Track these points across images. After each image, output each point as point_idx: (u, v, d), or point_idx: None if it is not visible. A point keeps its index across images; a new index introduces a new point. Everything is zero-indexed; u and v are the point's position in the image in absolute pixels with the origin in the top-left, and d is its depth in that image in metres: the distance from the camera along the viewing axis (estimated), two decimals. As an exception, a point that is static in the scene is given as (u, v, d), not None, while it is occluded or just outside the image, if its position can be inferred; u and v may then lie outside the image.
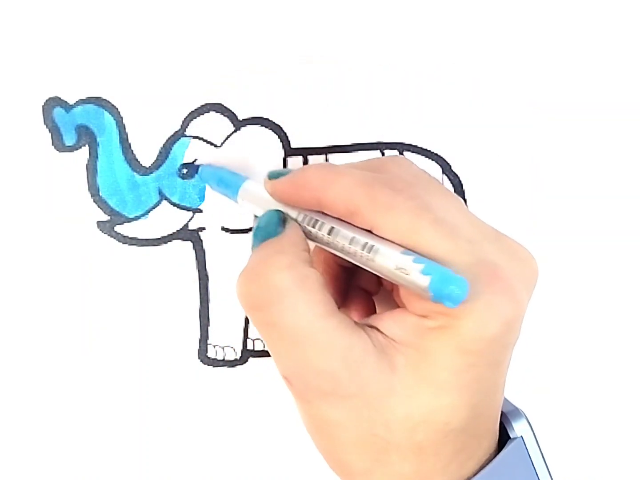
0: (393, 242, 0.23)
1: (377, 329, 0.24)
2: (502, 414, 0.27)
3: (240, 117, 0.33)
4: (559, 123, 0.35)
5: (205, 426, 0.34)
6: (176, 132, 0.33)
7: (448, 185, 0.35)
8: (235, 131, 0.33)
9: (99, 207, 0.33)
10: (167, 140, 0.33)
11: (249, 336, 0.34)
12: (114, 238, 0.33)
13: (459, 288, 0.21)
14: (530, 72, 0.35)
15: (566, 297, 0.36)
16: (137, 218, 0.33)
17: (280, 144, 0.33)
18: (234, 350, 0.34)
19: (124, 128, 0.32)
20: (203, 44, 0.33)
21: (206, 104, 0.33)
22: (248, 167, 0.33)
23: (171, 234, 0.33)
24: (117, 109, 0.32)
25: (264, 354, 0.34)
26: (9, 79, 0.32)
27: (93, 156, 0.32)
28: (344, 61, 0.34)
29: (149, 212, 0.33)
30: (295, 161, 0.34)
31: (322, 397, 0.24)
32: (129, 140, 0.33)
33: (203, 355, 0.34)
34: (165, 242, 0.33)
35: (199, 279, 0.34)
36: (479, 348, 0.23)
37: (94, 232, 0.33)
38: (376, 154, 0.34)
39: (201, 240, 0.34)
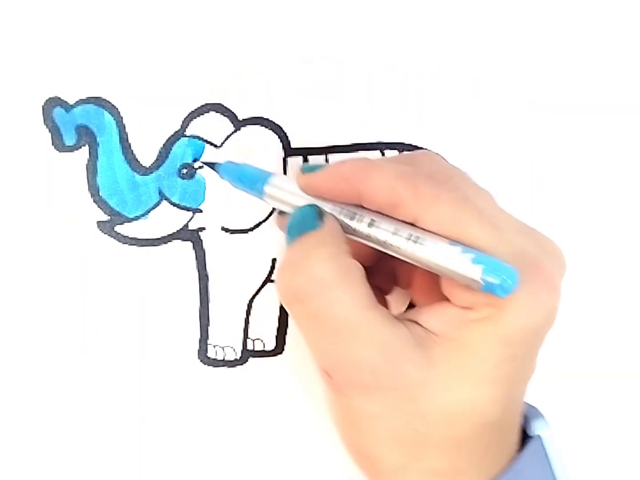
0: (437, 234, 0.23)
1: (417, 323, 0.24)
2: None
3: (240, 117, 0.33)
4: (559, 123, 0.35)
5: (205, 426, 0.34)
6: (176, 132, 0.33)
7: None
8: (235, 131, 0.33)
9: (99, 207, 0.33)
10: (167, 140, 0.33)
11: (249, 336, 0.34)
12: (114, 238, 0.33)
13: (509, 277, 0.21)
14: (530, 72, 0.35)
15: (566, 297, 0.36)
16: (137, 218, 0.33)
17: (280, 144, 0.33)
18: (234, 350, 0.34)
19: (124, 128, 0.32)
20: (203, 44, 0.33)
21: (206, 104, 0.33)
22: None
23: (171, 234, 0.33)
24: (117, 109, 0.32)
25: (264, 354, 0.34)
26: (9, 79, 0.32)
27: (93, 156, 0.32)
28: (344, 61, 0.34)
29: (149, 212, 0.33)
30: (295, 161, 0.34)
31: (361, 390, 0.24)
32: (129, 140, 0.33)
33: (203, 355, 0.34)
34: (165, 242, 0.33)
35: (199, 279, 0.34)
36: (521, 339, 0.23)
37: (94, 232, 0.33)
38: (376, 154, 0.34)
39: (201, 240, 0.34)
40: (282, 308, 0.34)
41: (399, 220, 0.24)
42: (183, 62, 0.33)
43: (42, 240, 0.33)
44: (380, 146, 0.34)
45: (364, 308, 0.24)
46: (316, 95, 0.34)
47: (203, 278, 0.34)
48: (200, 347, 0.34)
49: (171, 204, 0.33)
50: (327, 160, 0.34)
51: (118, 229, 0.33)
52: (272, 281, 0.34)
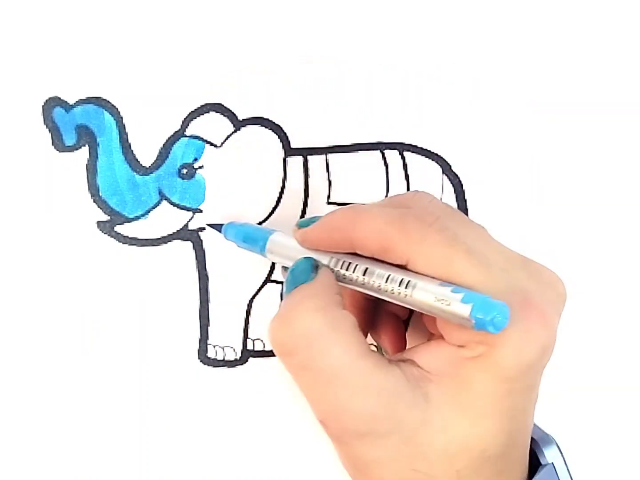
0: (428, 276, 0.24)
1: (412, 362, 0.25)
2: (532, 440, 0.27)
3: (240, 117, 0.33)
4: (559, 123, 0.35)
5: (205, 426, 0.34)
6: (176, 132, 0.33)
7: (448, 185, 0.35)
8: (235, 131, 0.33)
9: (99, 207, 0.33)
10: (167, 140, 0.33)
11: (249, 336, 0.34)
12: (114, 238, 0.33)
13: (500, 314, 0.22)
14: (530, 72, 0.35)
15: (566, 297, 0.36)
16: (137, 218, 0.33)
17: (280, 144, 0.34)
18: (234, 350, 0.34)
19: (124, 128, 0.32)
20: (203, 44, 0.33)
21: (206, 104, 0.33)
22: (248, 167, 0.34)
23: (171, 234, 0.33)
24: (117, 109, 0.32)
25: (264, 354, 0.34)
26: (9, 79, 0.32)
27: (93, 156, 0.32)
28: (344, 61, 0.34)
29: (149, 212, 0.33)
30: (295, 161, 0.34)
31: (360, 438, 0.24)
32: (129, 140, 0.33)
33: (203, 356, 0.34)
34: (165, 242, 0.33)
35: (199, 279, 0.34)
36: (516, 374, 0.23)
37: (94, 232, 0.33)
38: (376, 154, 0.34)
39: (201, 240, 0.34)
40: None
41: (392, 265, 0.25)
42: (183, 62, 0.33)
43: (42, 240, 0.33)
44: (380, 146, 0.34)
45: (355, 357, 0.24)
46: (316, 95, 0.34)
47: (203, 278, 0.34)
48: (200, 347, 0.34)
49: (171, 204, 0.33)
50: (327, 160, 0.34)
51: (118, 229, 0.33)
52: (272, 281, 0.34)
